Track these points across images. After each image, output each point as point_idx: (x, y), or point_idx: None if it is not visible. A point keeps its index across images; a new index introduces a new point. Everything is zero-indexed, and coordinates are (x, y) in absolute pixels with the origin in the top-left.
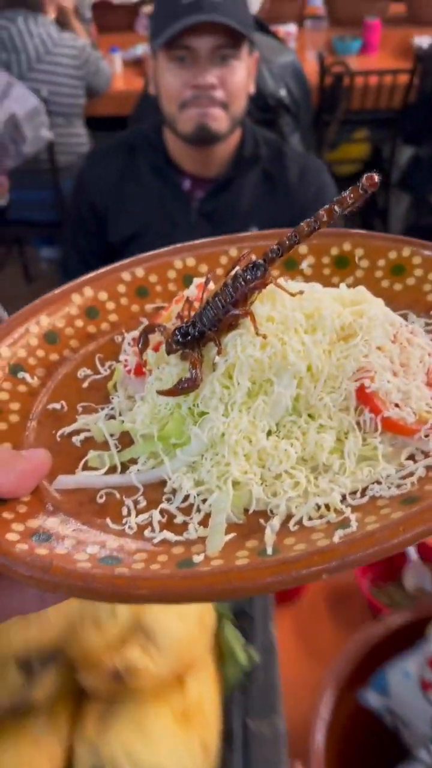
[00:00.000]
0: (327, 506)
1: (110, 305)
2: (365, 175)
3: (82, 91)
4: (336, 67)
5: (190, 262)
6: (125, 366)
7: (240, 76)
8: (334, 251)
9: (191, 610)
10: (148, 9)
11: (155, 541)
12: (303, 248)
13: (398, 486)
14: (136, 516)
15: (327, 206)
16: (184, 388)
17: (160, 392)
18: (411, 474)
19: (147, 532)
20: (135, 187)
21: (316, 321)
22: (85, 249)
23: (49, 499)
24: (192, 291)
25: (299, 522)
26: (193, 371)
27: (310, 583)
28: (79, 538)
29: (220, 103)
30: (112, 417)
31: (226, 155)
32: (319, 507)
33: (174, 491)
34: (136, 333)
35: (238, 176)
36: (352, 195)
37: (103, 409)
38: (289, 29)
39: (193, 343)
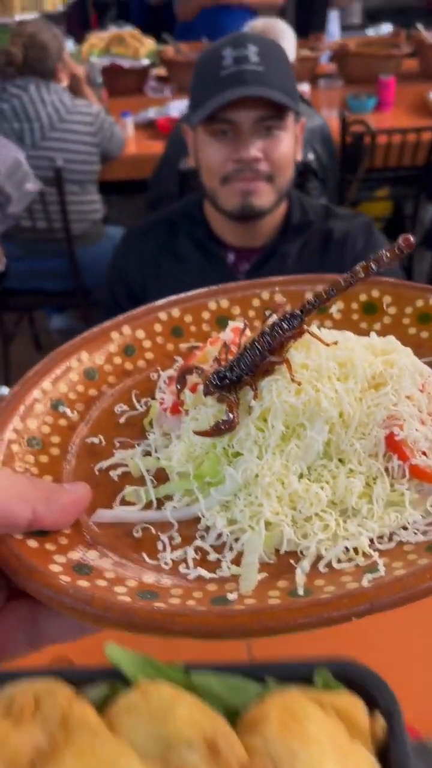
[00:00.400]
0: (356, 549)
1: (147, 343)
2: (402, 236)
3: (97, 157)
4: (355, 126)
5: (224, 303)
6: (161, 404)
7: (286, 146)
8: (363, 297)
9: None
10: (156, 71)
11: (190, 577)
12: (387, 298)
13: (424, 532)
14: (172, 551)
15: (364, 263)
16: (221, 429)
17: (198, 432)
18: None
19: (182, 568)
20: (175, 264)
21: (349, 369)
22: None
23: (88, 531)
24: (228, 335)
25: (328, 564)
26: (231, 414)
27: (339, 624)
28: (117, 571)
29: (264, 176)
30: (148, 453)
31: (273, 226)
32: (347, 550)
33: (207, 529)
34: (171, 371)
35: (284, 244)
36: (388, 254)
37: (139, 445)
38: (302, 88)
39: (230, 386)
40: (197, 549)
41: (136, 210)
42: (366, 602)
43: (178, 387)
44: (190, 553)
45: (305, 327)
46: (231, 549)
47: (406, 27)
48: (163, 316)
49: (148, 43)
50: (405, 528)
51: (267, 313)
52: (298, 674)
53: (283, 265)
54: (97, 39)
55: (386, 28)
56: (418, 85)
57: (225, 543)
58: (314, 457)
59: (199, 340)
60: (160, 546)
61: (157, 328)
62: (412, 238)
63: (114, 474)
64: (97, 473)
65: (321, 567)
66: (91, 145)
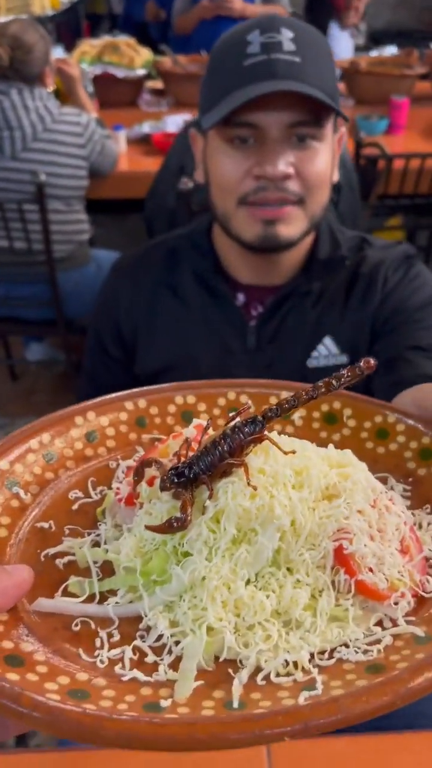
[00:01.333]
0: (295, 663)
1: (110, 431)
2: (363, 359)
3: (85, 172)
4: (369, 148)
5: (191, 399)
6: (117, 494)
7: (323, 162)
8: (325, 407)
9: None
10: (152, 84)
11: (124, 678)
12: (348, 410)
13: (365, 651)
14: (109, 650)
15: (326, 379)
16: (173, 526)
17: (149, 528)
18: (378, 641)
19: (117, 668)
20: (174, 305)
21: (304, 478)
22: (106, 385)
23: (25, 620)
24: (191, 431)
25: (267, 677)
26: (184, 512)
27: (273, 743)
28: (50, 664)
29: (294, 198)
30: (97, 544)
31: (296, 261)
32: (287, 663)
33: (148, 629)
34: (131, 461)
35: (306, 283)
36: (349, 373)
37: (89, 534)
38: None
39: (186, 483)
40: (135, 649)
41: (126, 232)
42: (300, 722)
43: (135, 478)
44: (128, 653)
45: (265, 433)
46: (170, 652)
47: (413, 49)
48: (129, 405)
49: (145, 53)
50: (346, 645)
51: (230, 414)
52: None
53: (301, 307)
54: (89, 46)
55: (390, 50)
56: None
57: (165, 645)
58: (263, 564)
59: (162, 432)
60: (98, 642)
61: (122, 416)
62: (372, 361)
63: (60, 562)
64: (42, 559)
65: (259, 679)
66: (79, 158)
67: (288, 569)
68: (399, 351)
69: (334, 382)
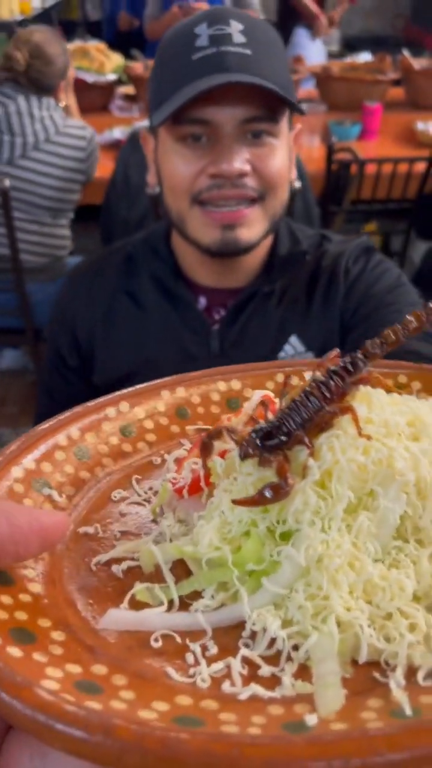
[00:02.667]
0: None
1: (148, 423)
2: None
3: (79, 186)
4: (341, 153)
5: (236, 385)
6: (174, 484)
7: (280, 158)
8: (390, 381)
9: None
10: (123, 89)
11: (242, 697)
12: (416, 383)
13: None
14: (208, 665)
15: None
16: (272, 496)
17: (239, 502)
18: None
19: (226, 687)
20: (133, 311)
21: (419, 428)
22: (64, 398)
23: (87, 641)
24: (253, 403)
25: (429, 675)
26: (283, 478)
27: None
28: (137, 691)
29: (254, 194)
30: (157, 543)
31: (257, 262)
32: None
33: (253, 635)
34: (179, 453)
35: (269, 283)
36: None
37: (147, 534)
38: None
39: (276, 447)
40: (244, 660)
41: (98, 240)
42: None
43: (203, 454)
44: (236, 665)
45: (371, 373)
46: (290, 659)
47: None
48: (165, 394)
49: (115, 58)
50: None
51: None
52: None
53: (264, 308)
54: None
55: (365, 57)
56: (405, 113)
57: (280, 652)
58: (390, 534)
59: (207, 423)
60: (190, 659)
61: (160, 407)
62: None
63: (117, 569)
64: (94, 568)
65: (420, 679)
66: (76, 172)
67: (418, 541)
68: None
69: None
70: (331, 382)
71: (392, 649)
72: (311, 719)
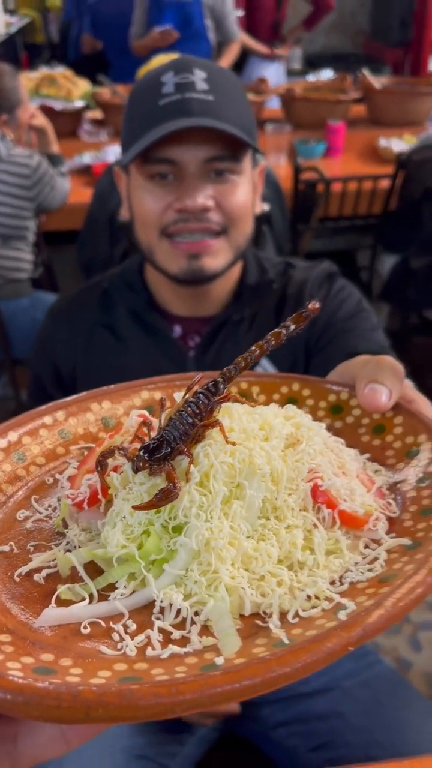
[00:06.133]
0: (316, 596)
1: (35, 449)
2: (310, 302)
3: (29, 213)
4: (308, 173)
5: (106, 405)
6: (72, 499)
7: (242, 194)
8: (284, 390)
9: None
10: (91, 114)
11: (164, 656)
12: (255, 387)
13: (369, 570)
14: (132, 639)
15: (275, 330)
16: (164, 499)
17: (138, 507)
18: (375, 559)
19: (150, 651)
20: (112, 344)
21: (268, 431)
22: None
23: (30, 637)
24: (132, 422)
25: (296, 615)
26: (172, 482)
27: (339, 658)
28: (82, 665)
29: (217, 228)
30: (68, 551)
31: (226, 291)
32: (309, 598)
33: (162, 610)
34: (69, 472)
35: (238, 311)
36: (296, 320)
37: (58, 544)
38: None
39: (162, 459)
40: (159, 630)
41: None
42: (357, 628)
43: (99, 470)
44: (154, 635)
45: (229, 392)
46: (194, 623)
47: (347, 73)
48: (48, 420)
49: (82, 85)
50: (350, 571)
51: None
52: None
53: (235, 334)
54: (26, 79)
55: (327, 74)
56: (367, 131)
57: (185, 619)
58: (255, 515)
59: (88, 441)
60: (115, 637)
61: (43, 432)
62: (318, 304)
63: (38, 577)
64: (17, 579)
65: (290, 618)
66: (22, 199)
67: (276, 517)
68: (337, 361)
69: (283, 330)
70: (200, 402)
71: (267, 601)
72: (220, 660)
